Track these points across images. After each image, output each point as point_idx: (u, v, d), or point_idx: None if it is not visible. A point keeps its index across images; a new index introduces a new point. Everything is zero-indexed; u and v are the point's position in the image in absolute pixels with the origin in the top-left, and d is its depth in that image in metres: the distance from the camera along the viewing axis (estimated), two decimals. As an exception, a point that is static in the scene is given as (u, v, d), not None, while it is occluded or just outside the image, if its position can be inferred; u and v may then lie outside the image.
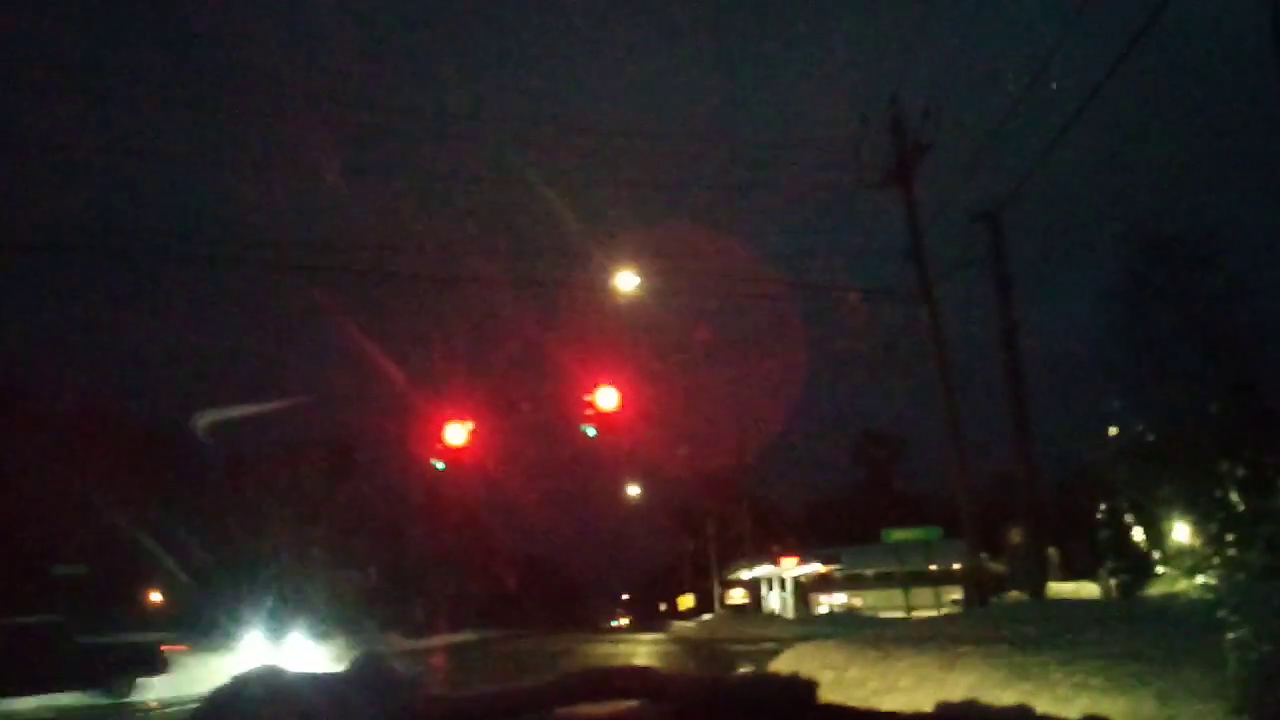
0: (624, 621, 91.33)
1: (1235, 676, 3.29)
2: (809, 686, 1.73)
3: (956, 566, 44.26)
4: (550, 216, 18.71)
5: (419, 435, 21.81)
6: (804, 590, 56.51)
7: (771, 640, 30.24)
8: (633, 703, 1.71)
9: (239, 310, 78.10)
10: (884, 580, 53.94)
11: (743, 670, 18.16)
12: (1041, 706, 1.45)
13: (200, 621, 18.88)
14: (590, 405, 19.13)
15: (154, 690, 16.56)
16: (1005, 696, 5.77)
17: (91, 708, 15.46)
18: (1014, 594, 21.96)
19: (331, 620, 27.77)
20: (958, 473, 16.01)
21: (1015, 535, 14.68)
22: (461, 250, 38.06)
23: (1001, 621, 10.45)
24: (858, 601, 54.13)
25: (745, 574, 55.75)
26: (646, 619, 79.93)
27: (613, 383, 19.50)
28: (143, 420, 29.31)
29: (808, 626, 35.94)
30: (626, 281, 18.66)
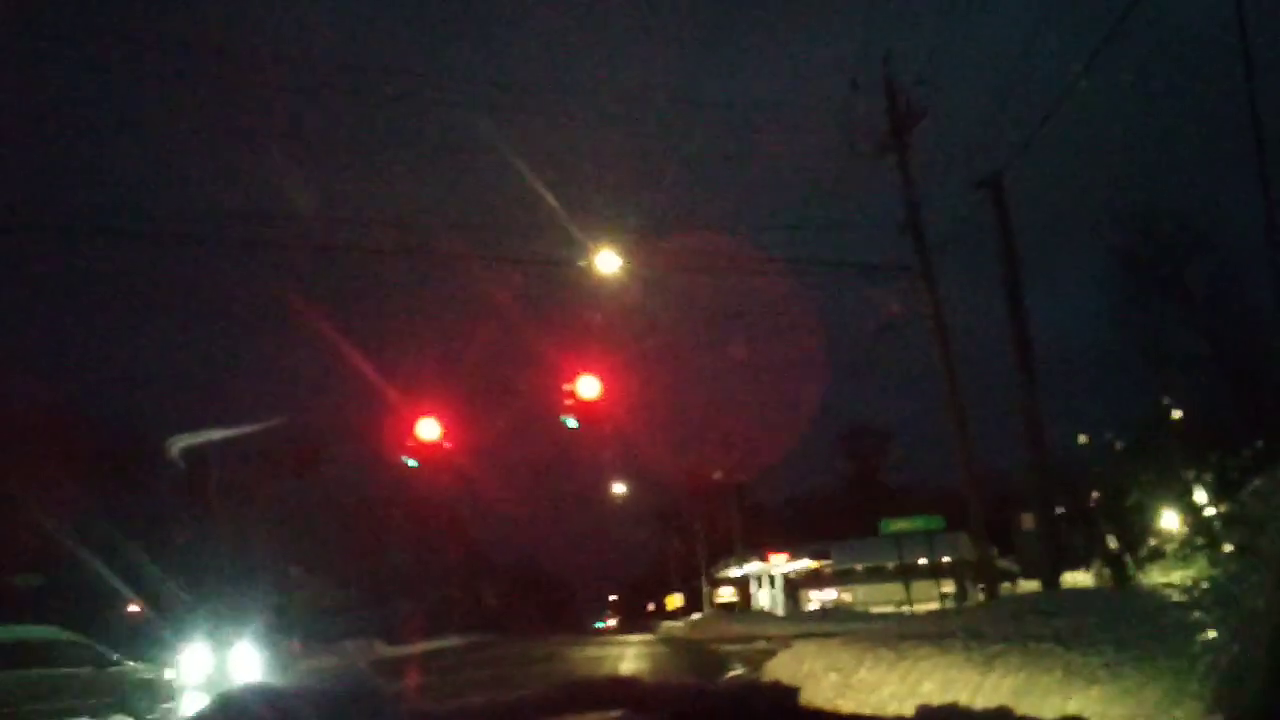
0: (611, 622, 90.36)
1: (1206, 676, 3.16)
2: (791, 693, 1.85)
3: (947, 559, 43.63)
4: (524, 187, 17.61)
5: (390, 431, 20.67)
6: (794, 587, 55.68)
7: (763, 639, 29.30)
8: (617, 713, 1.70)
9: (195, 301, 74.05)
10: (875, 575, 53.19)
11: (733, 673, 17.11)
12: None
13: (150, 635, 17.89)
14: (570, 395, 18.07)
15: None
16: (1087, 708, 4.74)
17: None
18: (1023, 583, 21.22)
19: (294, 628, 26.64)
20: (963, 459, 15.03)
21: (1026, 521, 13.73)
22: (431, 226, 36.29)
23: (1026, 614, 9.43)
24: (848, 597, 53.37)
25: (734, 571, 54.81)
26: (634, 620, 78.96)
27: (594, 371, 18.45)
28: (93, 421, 28.02)
29: (800, 624, 35.02)
30: (607, 262, 17.62)
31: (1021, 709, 4.02)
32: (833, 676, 10.11)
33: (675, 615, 64.02)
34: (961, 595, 39.40)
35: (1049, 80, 15.89)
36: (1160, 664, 4.60)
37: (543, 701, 1.75)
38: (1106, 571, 23.18)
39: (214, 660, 16.65)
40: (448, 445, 20.08)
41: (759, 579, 55.35)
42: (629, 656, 26.51)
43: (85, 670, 14.69)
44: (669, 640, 37.65)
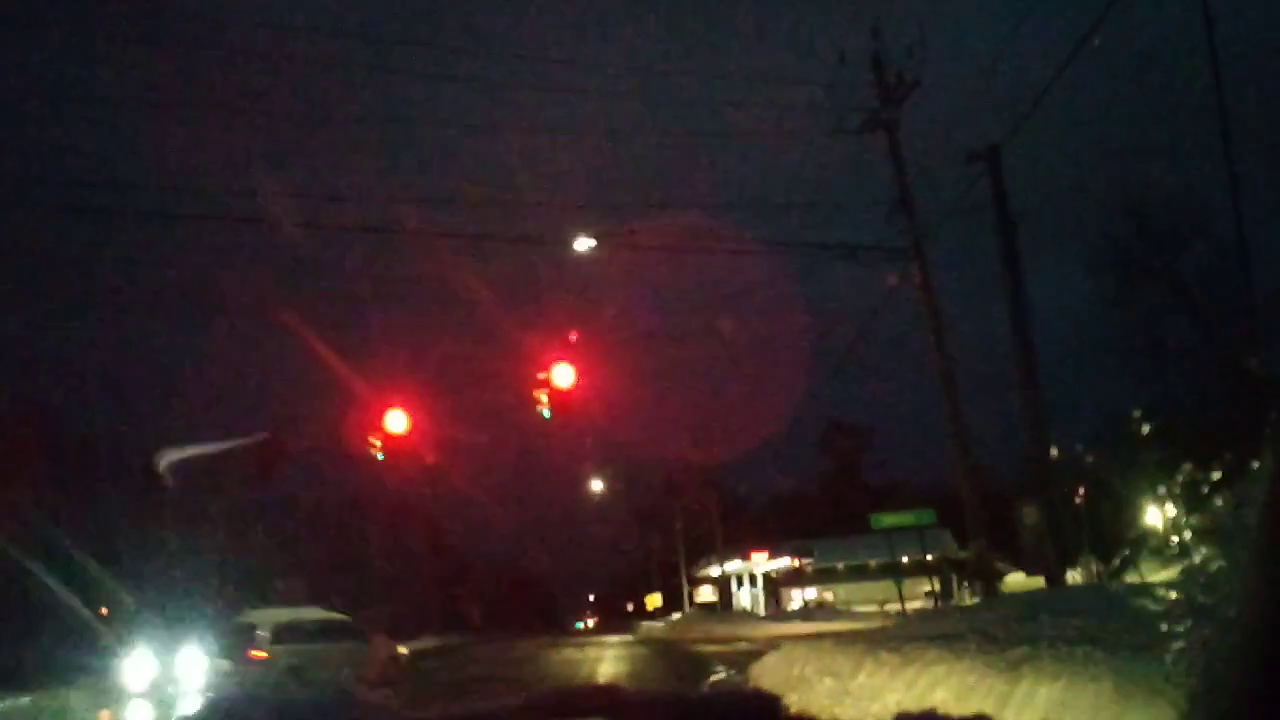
0: (591, 623, 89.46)
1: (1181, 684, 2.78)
2: (774, 701, 1.75)
3: (929, 557, 43.05)
4: (498, 164, 16.67)
5: (356, 425, 19.68)
6: (775, 585, 55.02)
7: (745, 640, 28.54)
8: None
9: (141, 288, 70.60)
10: (857, 573, 52.57)
11: (716, 676, 16.24)
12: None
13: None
14: (545, 384, 17.17)
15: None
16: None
17: None
18: (1010, 580, 20.55)
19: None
20: (958, 451, 14.26)
21: (1030, 515, 12.98)
22: (397, 206, 35.00)
23: (1039, 613, 8.62)
24: (829, 596, 52.73)
25: (714, 570, 54.06)
26: (614, 620, 78.10)
27: (569, 359, 17.57)
28: (38, 419, 26.76)
29: (783, 623, 34.28)
30: (582, 243, 16.74)
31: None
32: (828, 682, 9.28)
33: (655, 615, 63.21)
34: (947, 594, 38.83)
35: (1047, 53, 15.19)
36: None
37: (523, 711, 1.76)
38: (1095, 568, 22.59)
39: (159, 666, 15.75)
40: (416, 438, 19.16)
41: (740, 578, 54.65)
42: (608, 659, 25.67)
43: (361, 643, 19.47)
44: (649, 641, 36.82)
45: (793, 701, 9.67)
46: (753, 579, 53.74)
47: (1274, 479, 1.19)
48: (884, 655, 8.04)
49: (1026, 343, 12.90)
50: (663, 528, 61.10)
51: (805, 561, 51.87)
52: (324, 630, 19.15)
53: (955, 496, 34.40)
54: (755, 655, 17.84)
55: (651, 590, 70.22)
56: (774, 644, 17.87)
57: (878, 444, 65.43)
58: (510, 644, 42.34)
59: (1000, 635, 7.79)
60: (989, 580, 14.08)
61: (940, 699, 6.46)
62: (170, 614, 20.47)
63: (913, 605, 35.24)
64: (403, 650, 22.89)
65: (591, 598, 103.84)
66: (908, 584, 44.24)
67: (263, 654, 17.10)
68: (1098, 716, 4.61)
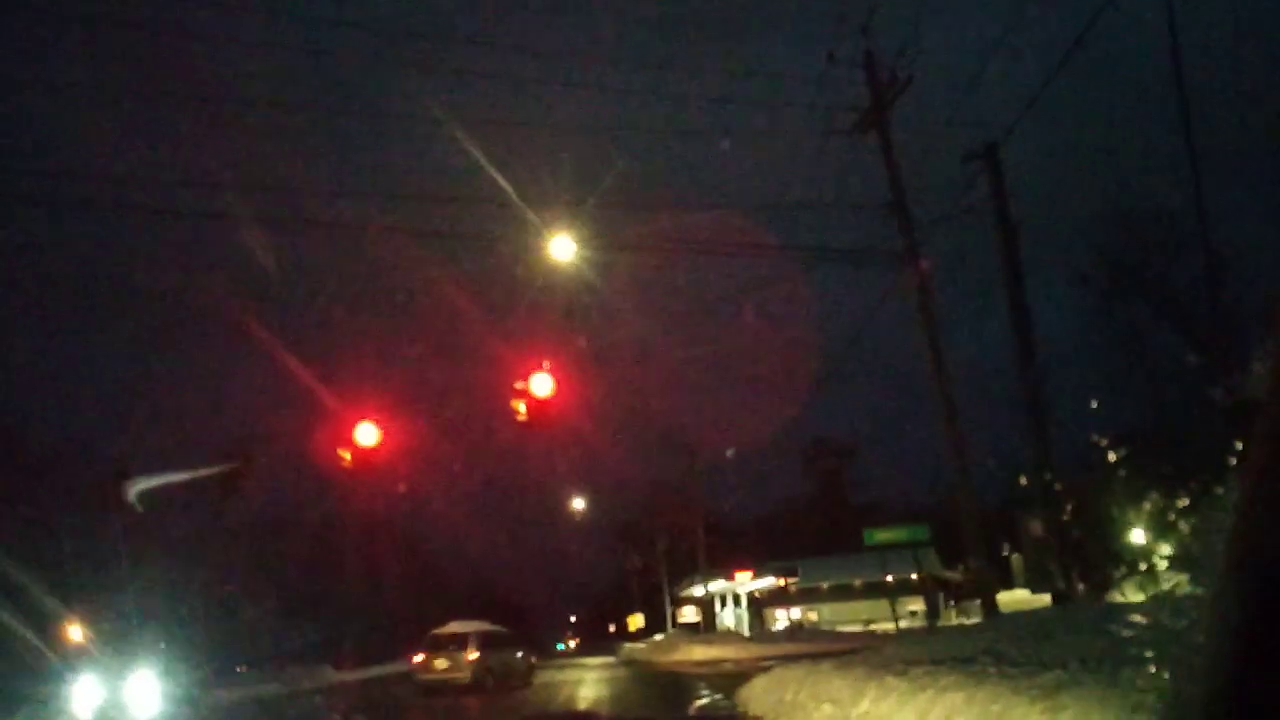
0: (572, 644, 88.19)
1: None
2: None
3: (914, 576, 42.44)
4: (472, 162, 15.98)
5: (325, 436, 18.85)
6: (759, 606, 54.23)
7: (730, 661, 27.75)
8: None
9: (101, 294, 67.78)
10: (841, 593, 51.92)
11: (701, 703, 15.45)
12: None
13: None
14: (523, 393, 16.44)
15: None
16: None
17: None
18: (1019, 595, 19.92)
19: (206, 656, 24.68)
20: (957, 465, 13.61)
21: (1035, 528, 12.34)
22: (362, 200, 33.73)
23: (1055, 632, 7.94)
24: (814, 615, 52.04)
25: (698, 590, 53.21)
26: (595, 640, 76.94)
27: (546, 368, 16.87)
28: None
29: (769, 644, 33.48)
30: (562, 248, 16.06)
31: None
32: (826, 709, 8.55)
33: (637, 636, 62.18)
34: (933, 613, 38.15)
35: (1041, 55, 14.73)
36: None
37: None
38: (1081, 586, 22.04)
39: (106, 693, 14.86)
40: (387, 452, 18.36)
41: (723, 598, 53.84)
42: (589, 682, 24.84)
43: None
44: (631, 663, 35.93)
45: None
46: (736, 599, 52.95)
47: (1241, 509, 1.10)
48: (890, 680, 7.34)
49: (1028, 348, 12.33)
50: (645, 546, 60.22)
51: (790, 581, 51.17)
52: (507, 639, 25.24)
53: (939, 515, 34.02)
54: (741, 678, 17.10)
55: (633, 611, 69.22)
56: (760, 666, 17.13)
57: (860, 462, 65.00)
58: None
59: (1018, 657, 7.11)
60: (988, 598, 13.41)
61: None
62: (121, 640, 19.57)
63: (890, 627, 34.56)
64: (533, 660, 28.16)
65: (573, 619, 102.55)
66: (887, 604, 43.63)
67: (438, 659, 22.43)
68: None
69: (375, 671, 40.83)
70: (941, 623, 34.31)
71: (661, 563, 55.72)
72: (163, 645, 20.41)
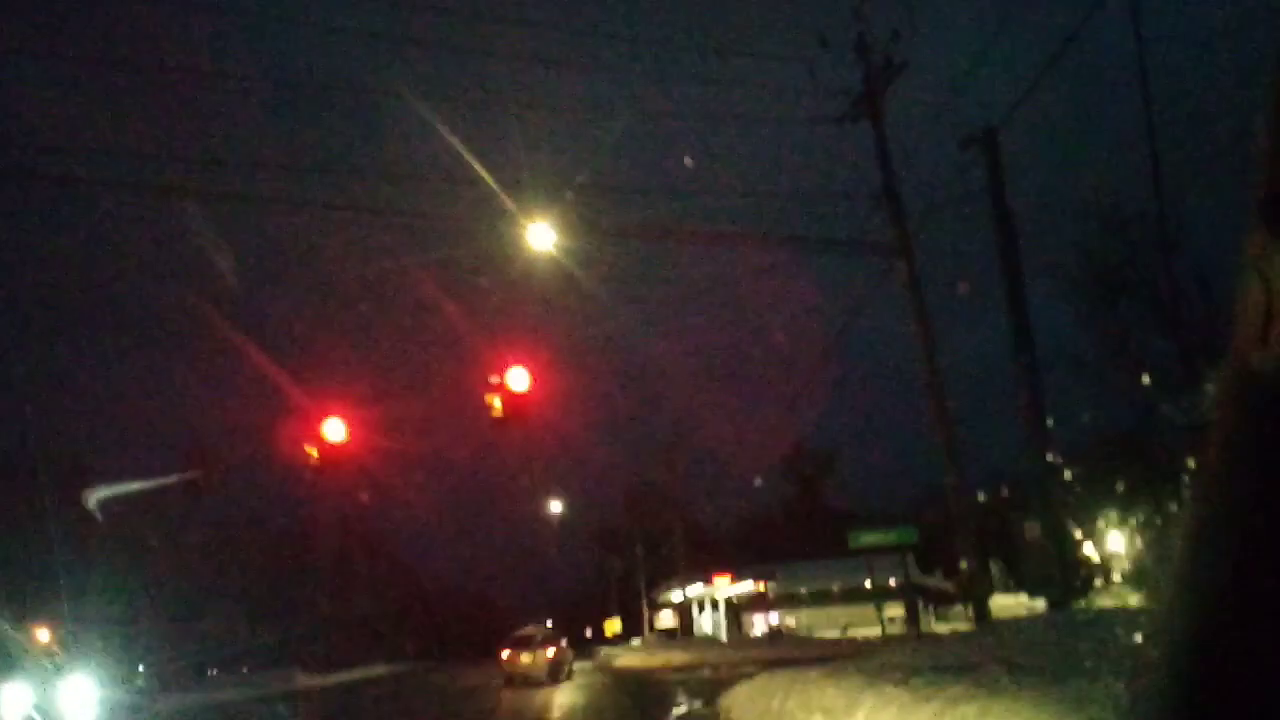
0: (505, 654, 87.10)
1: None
2: None
3: (893, 582, 42.00)
4: (443, 145, 15.30)
5: (292, 432, 18.14)
6: (736, 611, 53.72)
7: (709, 667, 27.18)
8: None
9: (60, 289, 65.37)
10: (820, 599, 51.47)
11: (680, 711, 14.86)
12: None
13: None
14: (498, 388, 15.81)
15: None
16: None
17: None
18: (1011, 600, 19.45)
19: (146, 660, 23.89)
20: (948, 463, 13.09)
21: (1030, 530, 11.87)
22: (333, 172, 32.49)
23: (1061, 638, 7.41)
24: (791, 621, 51.56)
25: (676, 594, 52.64)
26: (571, 646, 76.01)
27: (524, 362, 16.25)
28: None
29: (748, 650, 32.93)
30: (540, 237, 15.44)
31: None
32: (817, 718, 8.00)
33: (614, 641, 61.50)
34: (913, 619, 37.70)
35: (1038, 42, 14.31)
36: None
37: None
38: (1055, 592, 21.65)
39: (35, 697, 14.09)
40: (356, 448, 17.68)
41: (701, 602, 53.27)
42: (564, 689, 24.20)
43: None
44: (607, 669, 35.26)
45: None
46: (714, 604, 52.40)
47: (1190, 529, 1.08)
48: (889, 689, 6.77)
49: (1026, 342, 11.84)
50: (622, 550, 59.60)
51: (768, 585, 50.67)
52: (559, 639, 30.22)
53: (916, 521, 33.59)
54: (720, 684, 16.52)
55: (610, 615, 68.50)
56: (741, 672, 16.56)
57: (840, 468, 64.73)
58: (461, 673, 40.57)
59: (1028, 664, 6.57)
60: (981, 603, 12.90)
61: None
62: (66, 645, 18.81)
63: (874, 632, 34.13)
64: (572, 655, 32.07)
65: (549, 623, 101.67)
66: (867, 611, 43.18)
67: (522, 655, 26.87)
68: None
69: (344, 677, 39.94)
70: (923, 630, 33.87)
71: (640, 567, 55.12)
72: (100, 646, 19.67)
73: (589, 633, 79.12)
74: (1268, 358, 0.97)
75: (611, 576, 65.77)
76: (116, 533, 26.74)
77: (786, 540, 54.54)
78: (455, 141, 14.17)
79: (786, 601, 52.41)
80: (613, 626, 67.27)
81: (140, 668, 34.23)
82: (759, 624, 52.78)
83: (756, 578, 50.17)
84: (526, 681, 26.21)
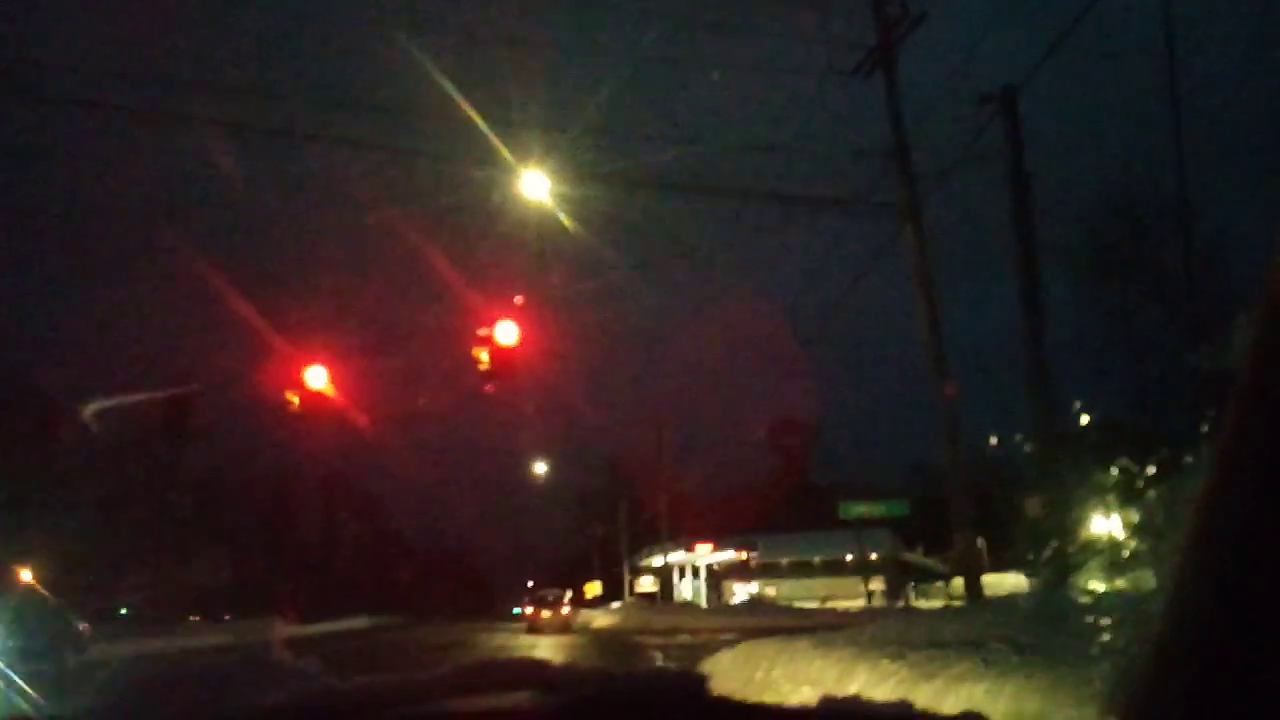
0: (529, 610, 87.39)
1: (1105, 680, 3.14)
2: (700, 681, 1.78)
3: (874, 556, 41.98)
4: (433, 86, 14.70)
5: (273, 377, 17.69)
6: (717, 579, 53.82)
7: (687, 633, 27.05)
8: (524, 694, 1.71)
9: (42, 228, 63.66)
10: (800, 569, 51.59)
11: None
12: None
13: None
14: (486, 341, 15.37)
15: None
16: None
17: None
18: (1014, 577, 19.20)
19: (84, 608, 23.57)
20: (946, 434, 12.71)
21: (1032, 506, 11.54)
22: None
23: (1068, 615, 7.01)
24: (771, 591, 51.66)
25: (657, 560, 52.64)
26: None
27: (514, 316, 15.81)
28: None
29: (727, 617, 32.82)
30: (535, 185, 14.91)
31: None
32: (806, 691, 7.62)
33: (594, 604, 61.64)
34: (894, 594, 37.71)
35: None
36: None
37: (452, 681, 1.78)
38: (1044, 573, 21.46)
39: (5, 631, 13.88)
40: (340, 396, 17.24)
41: (682, 569, 53.32)
42: (543, 647, 24.01)
43: None
44: (586, 630, 35.17)
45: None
46: (695, 571, 52.44)
47: (1211, 475, 1.07)
48: (884, 663, 6.39)
49: (1036, 308, 11.44)
50: (606, 514, 59.51)
51: (750, 555, 50.71)
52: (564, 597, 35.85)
53: (904, 495, 33.30)
54: (697, 649, 16.24)
55: (591, 578, 68.60)
56: (720, 639, 16.29)
57: (827, 441, 64.63)
58: (444, 628, 40.49)
59: (1035, 643, 6.19)
60: (975, 579, 12.60)
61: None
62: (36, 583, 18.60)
63: (853, 604, 34.07)
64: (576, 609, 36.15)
65: (530, 584, 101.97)
66: (847, 583, 43.18)
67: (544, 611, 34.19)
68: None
69: (325, 628, 39.75)
70: (902, 604, 33.81)
71: (622, 531, 55.06)
72: (84, 586, 19.50)
73: (570, 594, 79.37)
74: None
75: (593, 539, 65.78)
76: (104, 481, 26.34)
77: (769, 511, 54.55)
78: (447, 82, 13.57)
79: (767, 571, 52.53)
80: (592, 589, 67.39)
81: (124, 611, 34.00)
82: (740, 592, 52.90)
83: (738, 547, 50.20)
84: (546, 630, 32.13)
